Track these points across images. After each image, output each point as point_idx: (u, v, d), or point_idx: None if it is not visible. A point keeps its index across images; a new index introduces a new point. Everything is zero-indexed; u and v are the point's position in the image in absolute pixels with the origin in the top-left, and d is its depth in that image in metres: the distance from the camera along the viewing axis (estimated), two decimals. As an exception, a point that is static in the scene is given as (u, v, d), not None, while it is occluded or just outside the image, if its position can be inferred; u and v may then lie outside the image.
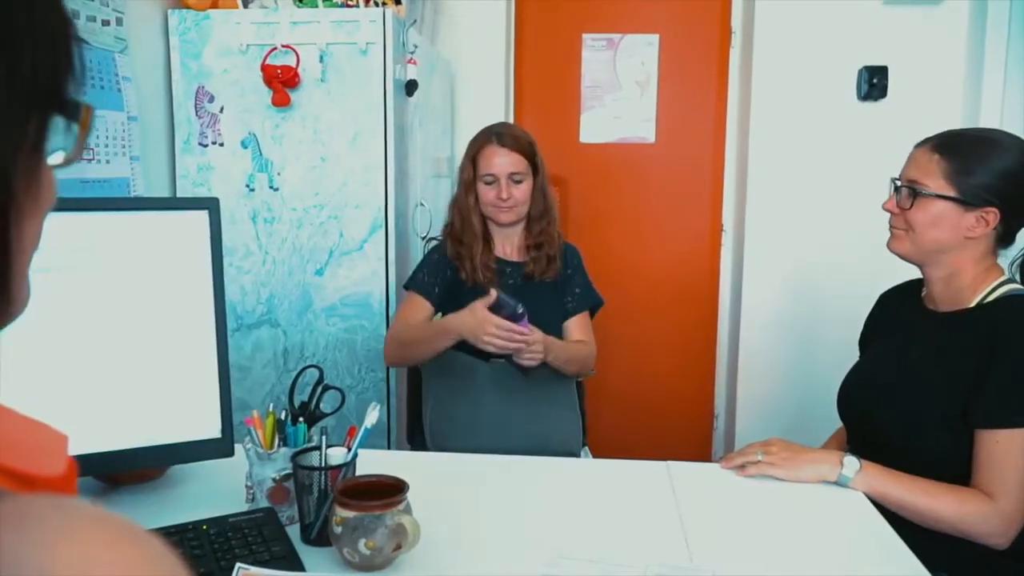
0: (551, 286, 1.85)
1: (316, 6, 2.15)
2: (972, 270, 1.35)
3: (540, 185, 1.84)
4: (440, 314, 1.82)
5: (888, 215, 1.41)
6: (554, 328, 1.78)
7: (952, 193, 1.31)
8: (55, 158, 0.42)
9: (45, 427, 0.39)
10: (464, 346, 1.63)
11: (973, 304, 1.33)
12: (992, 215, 1.30)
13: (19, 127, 0.38)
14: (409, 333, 1.76)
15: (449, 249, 1.84)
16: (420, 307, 1.81)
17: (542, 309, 1.77)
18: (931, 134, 1.38)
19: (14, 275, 0.39)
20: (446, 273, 1.83)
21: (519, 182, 1.78)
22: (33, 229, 0.41)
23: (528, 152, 1.80)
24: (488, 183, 1.79)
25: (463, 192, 1.84)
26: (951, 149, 1.32)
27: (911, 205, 1.34)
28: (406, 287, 1.88)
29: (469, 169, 1.82)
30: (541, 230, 1.84)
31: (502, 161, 1.77)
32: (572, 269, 1.88)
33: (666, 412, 3.19)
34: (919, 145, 1.38)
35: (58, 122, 0.41)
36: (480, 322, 1.55)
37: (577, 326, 1.85)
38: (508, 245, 1.87)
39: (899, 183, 1.38)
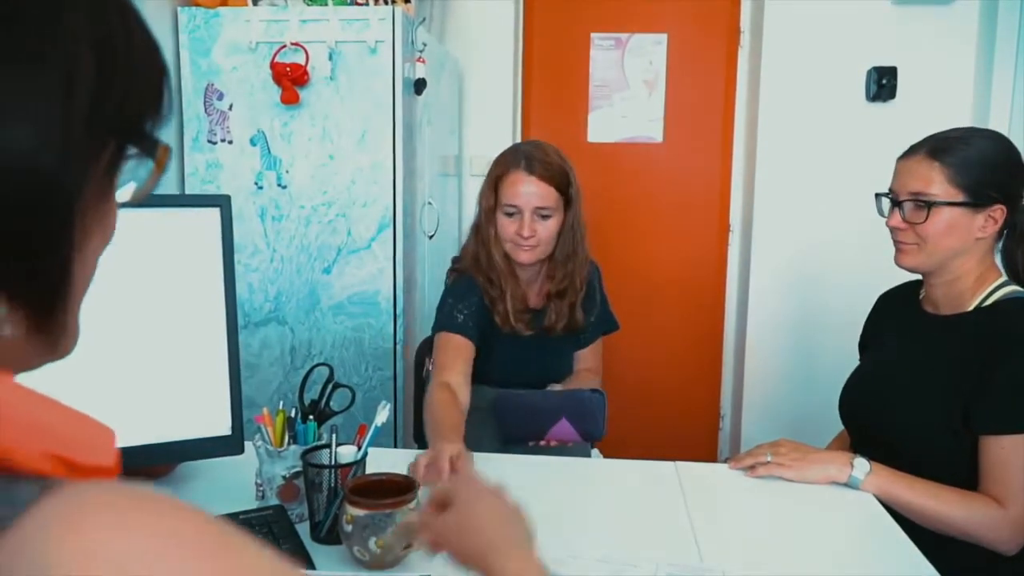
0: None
1: (326, 4, 2.15)
2: (974, 272, 1.33)
3: (571, 222, 1.56)
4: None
5: (888, 231, 1.37)
6: (566, 369, 1.69)
7: (961, 198, 1.29)
8: (125, 192, 0.43)
9: (92, 420, 0.40)
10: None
11: (972, 307, 1.32)
12: (999, 211, 1.29)
13: (97, 150, 0.39)
14: (431, 412, 1.42)
15: (481, 285, 1.57)
16: (461, 349, 1.51)
17: (557, 359, 1.67)
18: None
19: (71, 305, 0.40)
20: (480, 304, 1.57)
21: (546, 217, 1.52)
22: (93, 258, 0.42)
23: (561, 184, 1.52)
24: (509, 214, 1.52)
25: (484, 222, 1.57)
26: (946, 153, 1.29)
27: (925, 218, 1.30)
28: (436, 331, 1.58)
29: (490, 195, 1.55)
30: (565, 275, 1.58)
31: (528, 191, 1.50)
32: (589, 297, 1.67)
33: (672, 412, 3.19)
34: (908, 156, 1.35)
35: (133, 160, 0.42)
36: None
37: (586, 353, 1.72)
38: (530, 289, 1.63)
39: (900, 198, 1.34)
